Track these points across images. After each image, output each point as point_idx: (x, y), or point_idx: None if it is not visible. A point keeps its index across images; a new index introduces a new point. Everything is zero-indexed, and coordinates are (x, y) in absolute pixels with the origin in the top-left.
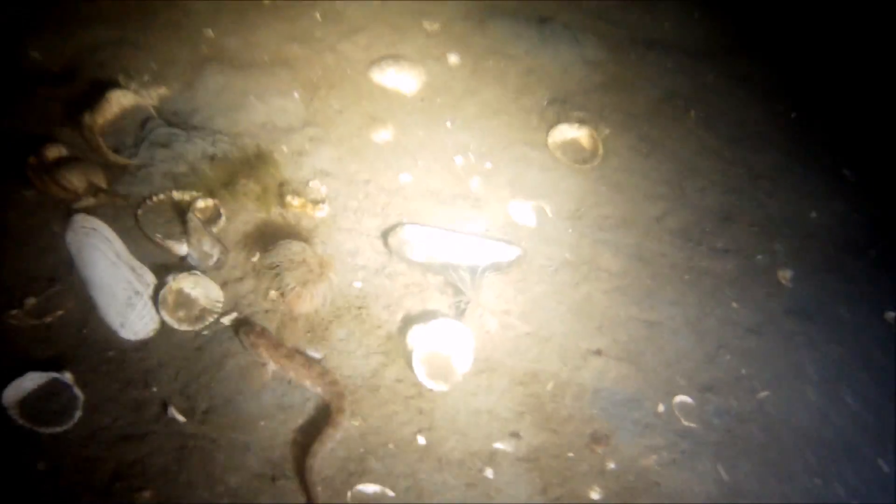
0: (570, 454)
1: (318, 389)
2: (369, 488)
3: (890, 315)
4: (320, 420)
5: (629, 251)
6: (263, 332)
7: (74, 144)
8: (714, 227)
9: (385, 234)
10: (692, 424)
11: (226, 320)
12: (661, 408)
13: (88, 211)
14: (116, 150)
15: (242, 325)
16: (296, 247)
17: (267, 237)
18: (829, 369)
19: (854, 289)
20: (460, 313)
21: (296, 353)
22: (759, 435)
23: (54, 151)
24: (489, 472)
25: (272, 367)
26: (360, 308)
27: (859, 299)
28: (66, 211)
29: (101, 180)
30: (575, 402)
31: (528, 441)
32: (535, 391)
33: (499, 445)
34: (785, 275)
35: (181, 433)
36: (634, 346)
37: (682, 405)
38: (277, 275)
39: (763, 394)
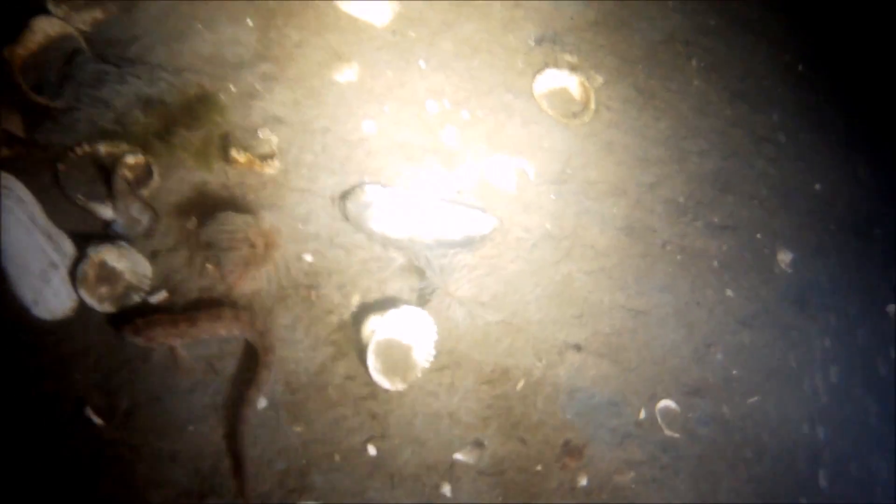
0: (539, 467)
1: (237, 332)
2: None
3: (891, 308)
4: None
5: (617, 224)
6: (150, 320)
7: None
8: (711, 198)
9: (343, 197)
10: (675, 434)
11: (154, 299)
12: (642, 414)
13: (1, 165)
14: (38, 90)
15: (122, 325)
16: (238, 220)
17: (206, 200)
18: (823, 371)
19: (855, 276)
20: (424, 302)
21: (197, 314)
22: (745, 448)
23: None
24: (447, 489)
25: (179, 343)
26: (309, 288)
27: (860, 289)
28: None
29: (17, 128)
30: (548, 405)
31: (492, 451)
32: (503, 391)
33: (459, 457)
34: (784, 258)
35: (98, 438)
36: (617, 340)
37: (666, 411)
38: (215, 255)
39: (753, 399)
